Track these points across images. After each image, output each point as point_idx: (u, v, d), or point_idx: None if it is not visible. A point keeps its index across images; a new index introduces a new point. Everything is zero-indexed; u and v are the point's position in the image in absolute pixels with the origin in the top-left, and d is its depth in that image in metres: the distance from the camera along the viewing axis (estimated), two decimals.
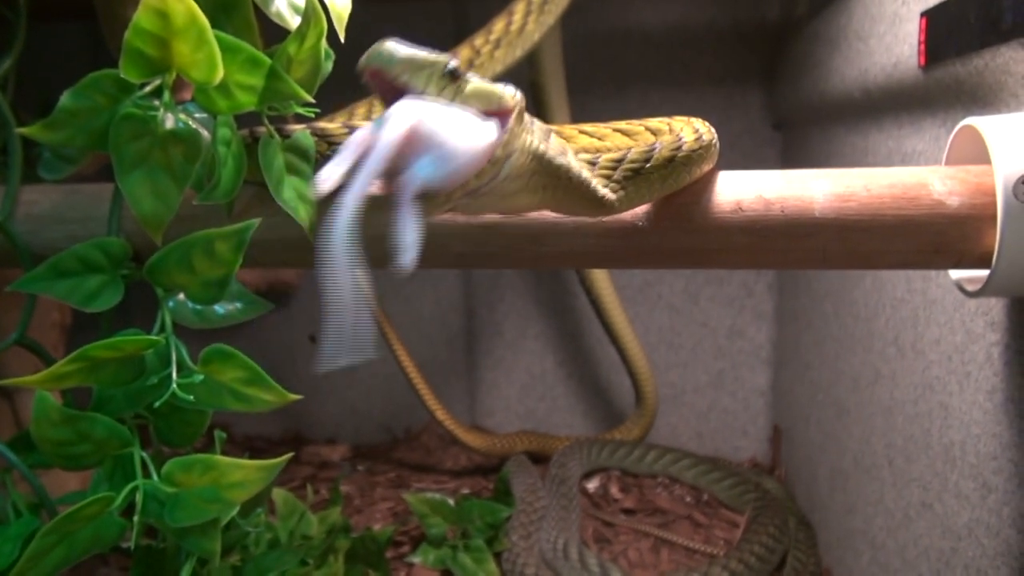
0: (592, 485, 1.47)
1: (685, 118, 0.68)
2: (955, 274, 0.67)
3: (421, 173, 0.44)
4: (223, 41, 0.56)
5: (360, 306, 0.42)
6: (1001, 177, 0.58)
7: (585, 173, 0.57)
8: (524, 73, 1.30)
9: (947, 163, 0.68)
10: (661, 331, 1.68)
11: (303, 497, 1.06)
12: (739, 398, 1.68)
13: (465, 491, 1.46)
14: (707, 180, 0.66)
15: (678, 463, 1.50)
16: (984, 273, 0.61)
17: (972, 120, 0.63)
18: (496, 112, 0.49)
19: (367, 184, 0.42)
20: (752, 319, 1.65)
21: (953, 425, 0.82)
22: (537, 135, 0.53)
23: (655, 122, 0.70)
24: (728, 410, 1.69)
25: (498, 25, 1.04)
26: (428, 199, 0.46)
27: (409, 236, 0.42)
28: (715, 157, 0.66)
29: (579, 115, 1.49)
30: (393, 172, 0.44)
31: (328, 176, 0.42)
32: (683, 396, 1.70)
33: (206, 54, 0.53)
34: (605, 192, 0.58)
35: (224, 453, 0.65)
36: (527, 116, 0.53)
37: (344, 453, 1.64)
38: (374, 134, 0.43)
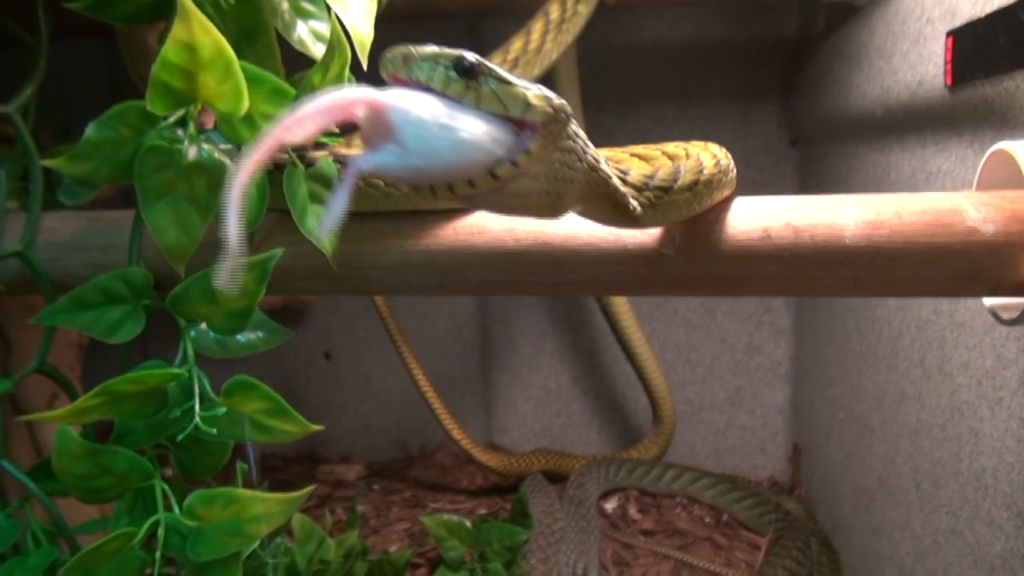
0: (610, 506, 1.45)
1: (701, 143, 0.67)
2: (989, 301, 0.65)
3: (375, 158, 0.42)
4: (248, 72, 0.56)
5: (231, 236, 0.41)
6: None
7: (619, 183, 0.55)
8: None
9: (979, 185, 0.67)
10: (678, 347, 1.66)
11: (319, 518, 1.06)
12: (757, 415, 1.66)
13: (482, 512, 1.45)
14: (729, 206, 0.65)
15: (697, 483, 1.48)
16: (1021, 301, 0.60)
17: (1006, 144, 0.62)
18: (519, 122, 0.45)
19: (283, 130, 0.41)
20: (770, 335, 1.64)
21: (984, 452, 0.80)
22: (580, 146, 0.50)
23: (671, 147, 0.69)
24: (746, 427, 1.67)
25: (516, 44, 1.04)
26: (417, 187, 0.44)
27: (332, 209, 0.41)
28: (734, 183, 0.65)
29: (594, 131, 1.47)
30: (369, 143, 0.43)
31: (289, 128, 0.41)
32: (700, 413, 1.68)
33: (232, 86, 0.53)
34: (635, 204, 0.57)
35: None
36: (572, 128, 0.48)
37: (360, 472, 1.63)
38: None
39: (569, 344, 1.70)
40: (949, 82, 0.81)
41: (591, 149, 0.52)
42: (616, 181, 0.54)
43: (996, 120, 0.75)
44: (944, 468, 0.90)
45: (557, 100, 0.46)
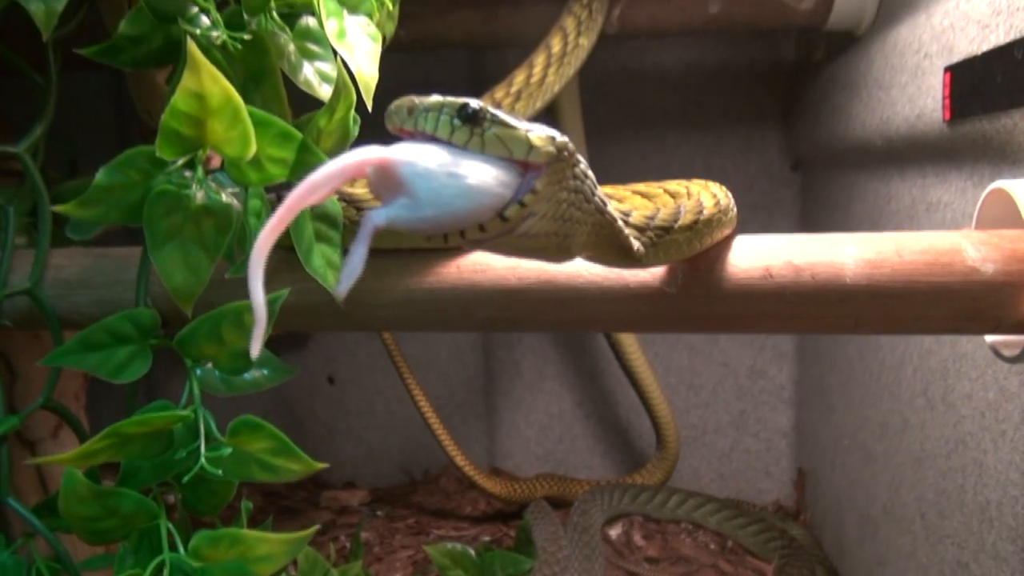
0: (615, 532, 1.45)
1: (703, 182, 0.68)
2: (990, 338, 0.66)
3: (387, 212, 0.43)
4: (255, 116, 0.57)
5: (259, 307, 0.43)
6: None
7: (622, 224, 0.56)
8: (544, 118, 1.31)
9: (977, 223, 0.68)
10: (681, 371, 1.66)
11: (323, 546, 1.05)
12: (762, 439, 1.66)
13: (485, 539, 1.44)
14: (730, 245, 0.65)
15: (701, 508, 1.48)
16: (1022, 339, 0.60)
17: (1004, 183, 0.62)
18: (523, 163, 0.46)
19: (299, 198, 0.42)
20: (773, 358, 1.64)
21: (989, 484, 0.80)
22: (588, 187, 0.50)
23: (673, 185, 0.70)
24: (750, 451, 1.67)
25: (519, 77, 1.05)
26: (429, 237, 0.45)
27: (350, 266, 0.42)
28: (734, 222, 0.66)
29: (597, 157, 1.49)
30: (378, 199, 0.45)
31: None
32: (704, 437, 1.68)
33: (240, 131, 0.54)
34: (638, 245, 0.57)
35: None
36: (580, 167, 0.49)
37: (363, 498, 1.62)
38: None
39: (572, 368, 1.70)
40: (947, 117, 0.81)
41: (600, 191, 0.52)
42: (620, 224, 0.55)
43: (995, 156, 0.76)
44: (949, 499, 0.89)
45: (560, 139, 0.47)
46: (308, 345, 1.75)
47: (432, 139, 0.45)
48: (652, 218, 0.59)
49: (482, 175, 0.44)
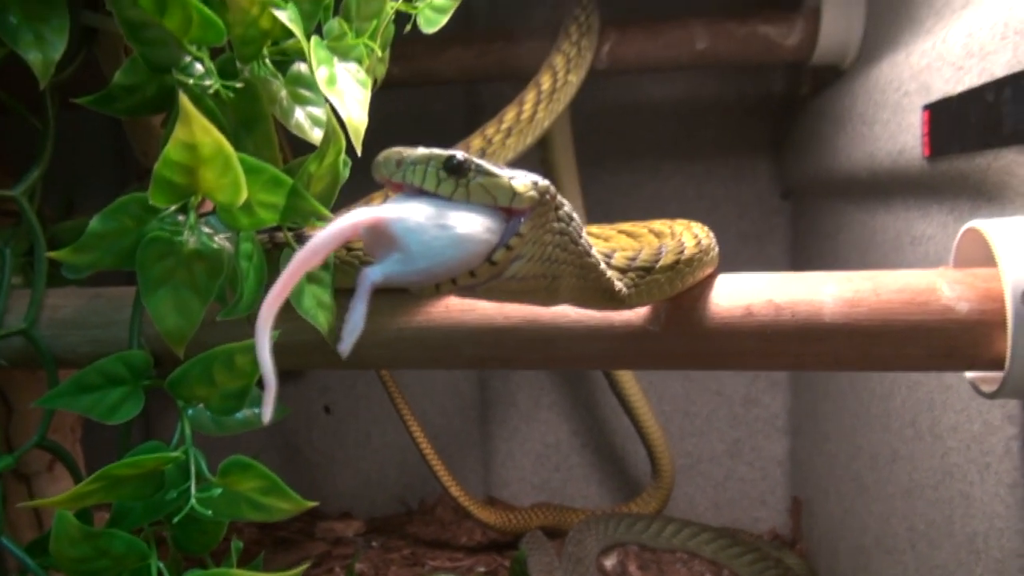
0: (610, 563, 1.44)
1: (686, 222, 0.70)
2: (970, 374, 0.67)
3: (383, 268, 0.45)
4: (246, 163, 0.58)
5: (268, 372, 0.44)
6: (1009, 285, 0.58)
7: (604, 267, 0.57)
8: (535, 151, 1.33)
9: (955, 260, 0.69)
10: (675, 399, 1.67)
11: None
12: (756, 467, 1.66)
13: (481, 569, 1.44)
14: (712, 284, 0.66)
15: (696, 537, 1.48)
16: (999, 375, 0.61)
17: (977, 223, 0.64)
18: (507, 210, 0.48)
19: (300, 265, 0.44)
20: (767, 387, 1.64)
21: (976, 515, 0.81)
22: (574, 229, 0.52)
23: (658, 224, 0.72)
24: (745, 480, 1.67)
25: (509, 114, 1.07)
26: (422, 288, 0.47)
27: (351, 324, 0.44)
28: (716, 261, 0.67)
29: (591, 187, 1.51)
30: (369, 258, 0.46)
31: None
32: (699, 465, 1.68)
33: (231, 179, 0.56)
34: (621, 287, 0.59)
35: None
36: (563, 210, 0.51)
37: (359, 528, 1.62)
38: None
39: (567, 397, 1.70)
40: (927, 153, 0.83)
41: (584, 233, 0.54)
42: (604, 267, 0.56)
43: (973, 192, 0.77)
44: (938, 530, 0.90)
45: (542, 183, 0.49)
46: (305, 375, 1.76)
47: (419, 191, 0.47)
48: (633, 259, 0.60)
49: (470, 224, 0.46)
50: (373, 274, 0.44)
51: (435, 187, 0.46)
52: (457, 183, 0.47)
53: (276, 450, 1.77)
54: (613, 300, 0.59)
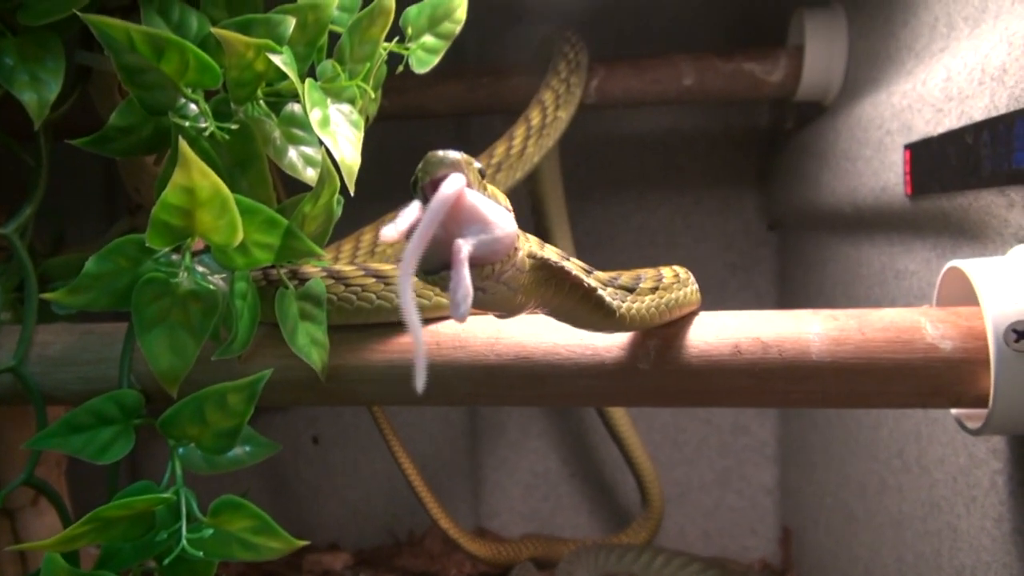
0: None
1: (667, 266, 0.71)
2: (955, 411, 0.68)
3: (471, 238, 0.46)
4: (242, 204, 0.59)
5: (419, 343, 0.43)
6: (991, 324, 0.59)
7: (591, 280, 0.58)
8: (524, 184, 1.34)
9: (938, 299, 0.70)
10: (664, 428, 1.67)
11: None
12: (746, 496, 1.66)
13: None
14: (697, 320, 0.67)
15: (687, 568, 1.47)
16: (984, 412, 0.62)
17: (959, 263, 0.65)
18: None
19: (420, 248, 0.43)
20: (755, 415, 1.65)
21: (963, 548, 0.81)
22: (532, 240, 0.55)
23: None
24: (735, 508, 1.67)
25: (499, 149, 1.09)
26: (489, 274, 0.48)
27: (461, 292, 0.44)
28: (697, 298, 0.69)
29: (578, 217, 1.53)
30: (445, 239, 0.47)
31: (388, 235, 0.44)
32: (689, 494, 1.68)
33: (228, 221, 0.56)
34: (617, 304, 0.60)
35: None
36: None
37: (347, 561, 1.61)
38: (423, 206, 0.45)
39: (557, 427, 1.70)
40: (909, 192, 0.85)
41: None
42: (585, 276, 0.57)
43: (954, 230, 0.79)
44: (927, 563, 0.90)
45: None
46: (293, 406, 1.75)
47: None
48: (615, 279, 0.61)
49: (503, 210, 0.48)
50: (465, 244, 0.45)
51: (478, 183, 0.48)
52: (483, 187, 0.49)
53: (263, 481, 1.75)
54: (610, 317, 0.59)
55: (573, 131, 1.26)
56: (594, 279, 0.60)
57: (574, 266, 0.57)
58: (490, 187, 0.50)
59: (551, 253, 0.56)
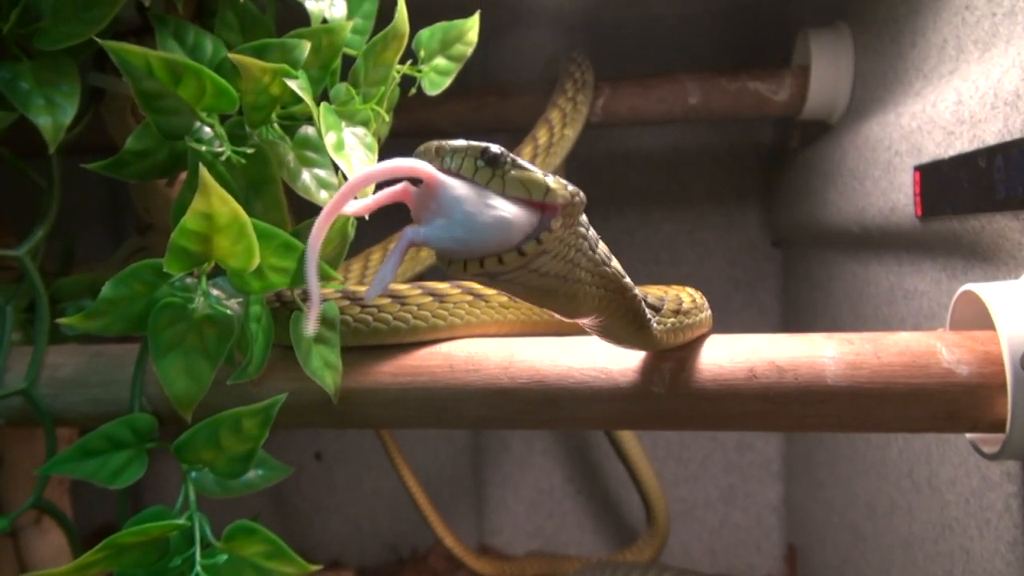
0: None
1: (679, 286, 0.71)
2: (970, 435, 0.68)
3: (425, 230, 0.47)
4: (259, 229, 0.59)
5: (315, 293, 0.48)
6: (1007, 349, 0.59)
7: (630, 283, 0.58)
8: None
9: (951, 323, 0.70)
10: (669, 445, 1.67)
11: None
12: (751, 513, 1.66)
13: None
14: (710, 344, 0.67)
15: None
16: (1000, 436, 0.62)
17: (974, 287, 0.65)
18: (540, 205, 0.49)
19: (325, 221, 0.47)
20: (760, 432, 1.65)
21: (976, 571, 0.81)
22: (592, 236, 0.54)
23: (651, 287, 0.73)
24: (740, 526, 1.66)
25: None
26: (450, 263, 0.48)
27: (381, 274, 0.46)
28: (710, 322, 0.69)
29: None
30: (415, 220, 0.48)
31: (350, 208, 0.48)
32: (694, 511, 1.67)
33: (245, 246, 0.56)
34: (656, 326, 0.60)
35: None
36: (584, 218, 0.53)
37: None
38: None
39: (561, 443, 1.70)
40: (919, 213, 0.85)
41: (602, 245, 0.56)
42: (628, 281, 0.57)
43: (966, 252, 0.79)
44: None
45: (572, 187, 0.50)
46: None
47: (458, 176, 0.48)
48: (645, 296, 0.61)
49: (508, 209, 0.48)
50: (414, 233, 0.46)
51: (472, 174, 0.48)
52: (493, 173, 0.48)
53: (265, 497, 1.74)
54: (642, 328, 0.59)
55: (579, 148, 1.27)
56: (659, 317, 0.60)
57: (621, 271, 0.57)
58: (514, 172, 0.48)
59: (613, 263, 0.56)
